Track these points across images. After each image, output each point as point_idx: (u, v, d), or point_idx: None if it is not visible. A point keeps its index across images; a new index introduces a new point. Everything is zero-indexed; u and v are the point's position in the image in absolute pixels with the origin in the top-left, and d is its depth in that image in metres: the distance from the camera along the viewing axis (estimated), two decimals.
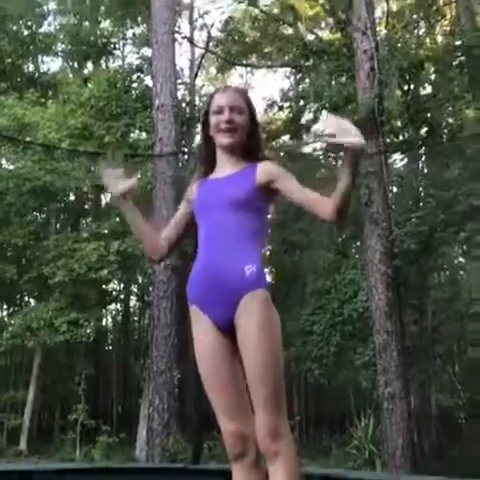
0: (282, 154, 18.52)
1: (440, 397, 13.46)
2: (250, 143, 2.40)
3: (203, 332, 2.23)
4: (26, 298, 16.22)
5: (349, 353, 11.45)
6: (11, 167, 15.35)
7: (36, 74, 18.01)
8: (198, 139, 18.45)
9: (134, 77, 16.10)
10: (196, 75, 18.14)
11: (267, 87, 29.73)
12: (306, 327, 12.21)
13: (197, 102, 18.24)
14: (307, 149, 19.14)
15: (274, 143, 18.24)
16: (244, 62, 19.24)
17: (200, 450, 5.83)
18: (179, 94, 15.14)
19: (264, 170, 2.34)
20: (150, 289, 12.74)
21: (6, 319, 16.36)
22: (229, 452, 2.19)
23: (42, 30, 18.22)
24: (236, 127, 2.34)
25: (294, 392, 14.66)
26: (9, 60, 17.15)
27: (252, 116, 2.41)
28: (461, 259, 15.00)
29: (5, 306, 17.45)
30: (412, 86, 14.38)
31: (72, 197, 16.83)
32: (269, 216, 2.48)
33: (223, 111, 2.34)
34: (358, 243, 13.93)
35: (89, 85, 15.81)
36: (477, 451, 10.41)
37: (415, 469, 8.70)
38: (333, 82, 12.78)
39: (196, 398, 5.72)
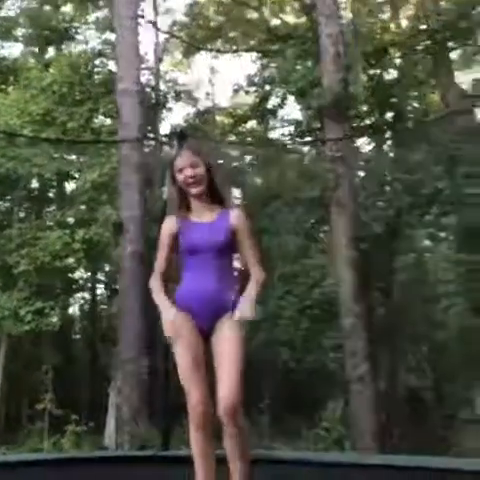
0: (249, 139, 18.48)
1: (408, 378, 13.66)
2: (212, 185, 3.08)
3: (185, 333, 2.90)
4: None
5: (318, 336, 11.53)
6: None
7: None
8: (163, 126, 18.29)
9: (97, 62, 15.83)
10: (160, 60, 17.89)
11: (233, 72, 29.49)
12: (275, 311, 12.24)
13: (162, 87, 18.03)
14: (274, 134, 19.13)
15: (241, 128, 18.16)
16: (209, 47, 19.04)
17: (169, 436, 5.79)
18: (144, 79, 14.94)
19: (237, 218, 3.06)
20: (117, 277, 12.60)
21: None
22: (194, 421, 2.80)
23: (2, 14, 17.75)
24: (199, 178, 3.04)
25: (264, 376, 14.72)
26: None
27: (208, 165, 3.07)
28: (427, 242, 15.18)
29: None
30: (377, 71, 14.44)
31: (35, 185, 16.51)
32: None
33: (185, 169, 3.04)
34: (325, 227, 13.98)
35: (51, 70, 15.48)
36: (443, 431, 10.63)
37: (384, 450, 8.83)
38: (299, 66, 12.75)
39: (165, 385, 5.68)
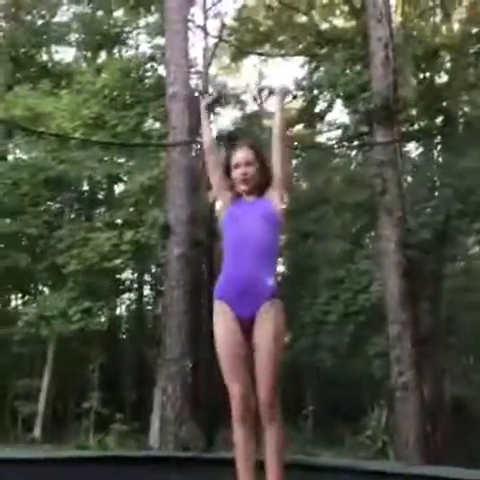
0: (296, 143, 18.44)
1: (454, 388, 13.40)
2: (262, 181, 3.16)
3: (225, 323, 2.93)
4: (40, 287, 16.31)
5: (363, 343, 11.42)
6: (25, 157, 15.40)
7: (50, 64, 17.99)
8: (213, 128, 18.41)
9: (147, 66, 16.05)
10: (209, 64, 18.03)
11: (281, 76, 29.44)
12: (319, 317, 12.18)
13: (211, 91, 18.16)
14: (321, 138, 19.05)
15: (288, 132, 18.14)
16: (258, 51, 19.10)
17: (213, 438, 5.84)
18: (192, 83, 15.08)
19: (271, 191, 3.14)
20: (163, 278, 12.74)
21: (20, 308, 16.47)
22: (236, 415, 2.90)
23: (56, 20, 18.21)
24: (250, 177, 3.13)
25: (308, 381, 14.66)
26: (23, 50, 17.17)
27: (262, 162, 3.17)
28: (476, 249, 14.87)
29: (19, 295, 17.56)
30: (428, 74, 14.23)
31: (85, 187, 16.85)
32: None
33: (240, 166, 3.14)
34: (372, 233, 13.85)
35: (102, 75, 15.80)
36: None
37: (428, 460, 8.68)
38: (347, 70, 12.68)
39: (209, 386, 5.73)
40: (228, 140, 8.53)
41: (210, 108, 3.52)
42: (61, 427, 14.27)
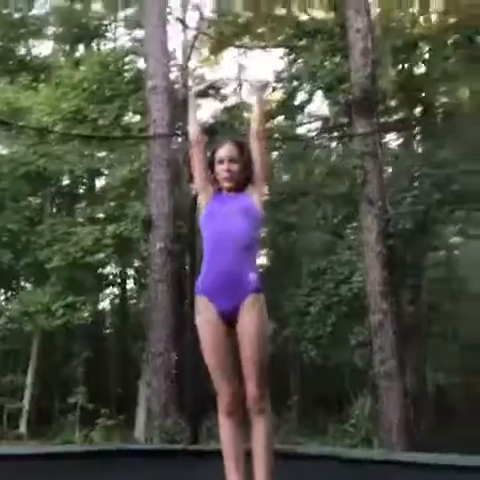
0: (276, 135, 18.45)
1: (436, 376, 13.58)
2: (244, 177, 3.13)
3: (208, 320, 2.93)
4: (23, 283, 16.21)
5: (345, 333, 11.52)
6: (4, 152, 15.26)
7: (28, 57, 17.82)
8: None
9: (126, 59, 15.96)
10: (189, 57, 17.96)
11: (261, 68, 29.45)
12: (302, 308, 12.26)
13: (190, 84, 18.11)
14: (301, 130, 19.07)
15: (268, 124, 18.14)
16: (237, 43, 19.06)
17: (198, 431, 5.88)
18: (172, 76, 15.03)
19: (252, 186, 3.13)
20: (147, 272, 12.75)
21: (3, 304, 16.36)
22: (224, 410, 2.93)
23: (33, 13, 18.01)
24: (233, 175, 3.12)
25: (290, 372, 14.76)
26: (0, 44, 16.98)
27: (246, 159, 3.14)
28: (456, 238, 15.05)
29: (2, 291, 17.44)
30: (406, 65, 14.31)
31: (66, 181, 16.74)
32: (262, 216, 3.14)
33: (224, 162, 3.13)
34: (354, 223, 13.94)
35: (81, 68, 15.68)
36: (472, 430, 10.54)
37: (411, 447, 8.81)
38: (327, 62, 12.70)
39: (193, 379, 5.77)
40: (209, 133, 8.55)
41: (199, 96, 3.48)
42: (47, 423, 14.23)
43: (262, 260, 20.04)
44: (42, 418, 14.67)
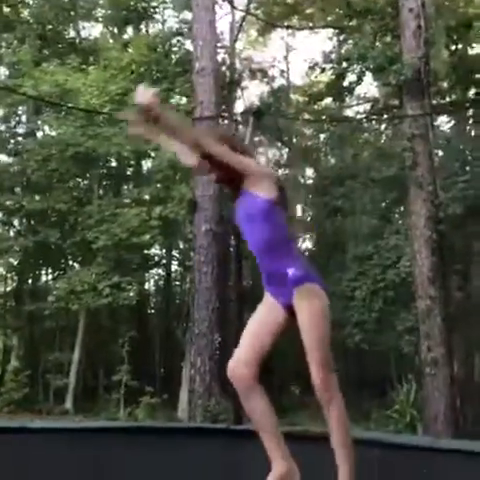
0: (324, 117, 18.23)
1: None
2: (231, 174, 2.90)
3: (266, 300, 2.91)
4: (70, 263, 16.50)
5: (391, 319, 11.36)
6: (54, 133, 15.48)
7: (77, 40, 17.99)
8: (238, 104, 18.30)
9: (174, 41, 15.97)
10: (236, 38, 17.84)
11: (309, 49, 29.10)
12: (347, 292, 12.13)
13: (237, 66, 18.02)
14: (349, 112, 18.79)
15: (316, 106, 17.93)
16: (285, 24, 18.83)
17: (241, 411, 5.88)
18: (219, 58, 14.95)
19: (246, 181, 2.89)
20: (191, 254, 12.81)
21: (51, 283, 16.71)
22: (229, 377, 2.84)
23: None
24: (216, 177, 2.95)
25: (335, 357, 14.65)
26: (50, 26, 17.17)
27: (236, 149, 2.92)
28: None
29: (50, 270, 17.80)
30: (460, 46, 13.90)
31: (114, 163, 16.91)
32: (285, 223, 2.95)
33: None
34: (402, 208, 13.69)
35: (129, 50, 15.75)
36: None
37: (457, 434, 8.65)
38: (377, 43, 12.43)
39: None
40: (256, 115, 8.47)
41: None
42: (92, 399, 14.54)
43: (306, 244, 19.94)
44: (87, 394, 15.00)
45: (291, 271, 2.82)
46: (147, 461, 3.81)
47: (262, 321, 2.89)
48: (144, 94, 2.70)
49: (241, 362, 2.82)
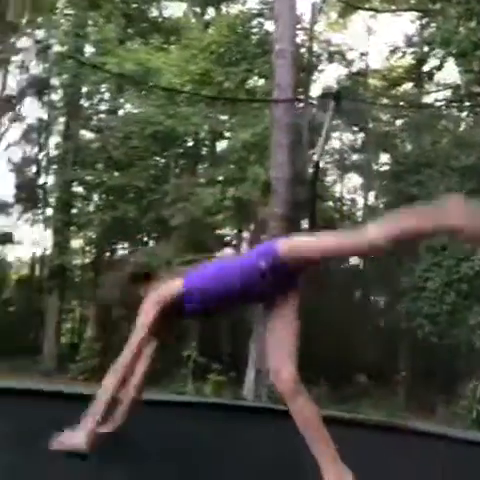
0: (402, 103, 17.87)
1: None
2: None
3: None
4: (145, 238, 16.96)
5: (464, 312, 11.15)
6: (135, 111, 15.86)
7: (160, 19, 18.28)
8: (314, 87, 18.15)
9: (254, 22, 15.98)
10: (316, 20, 17.66)
11: (390, 32, 28.41)
12: (419, 283, 11.97)
13: (316, 48, 17.86)
14: (428, 98, 18.33)
15: (394, 91, 17.60)
16: (367, 6, 18.49)
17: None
18: (298, 40, 14.88)
19: None
20: (261, 237, 12.92)
21: (127, 257, 17.23)
22: None
23: None
24: None
25: (403, 348, 14.51)
26: (135, 5, 17.52)
27: None
28: None
29: (126, 244, 18.36)
30: None
31: (190, 143, 17.18)
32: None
33: None
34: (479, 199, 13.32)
35: (210, 30, 15.88)
36: None
37: None
38: (461, 28, 12.07)
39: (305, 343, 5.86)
40: (335, 99, 8.41)
41: None
42: (160, 372, 14.96)
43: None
44: (157, 368, 15.46)
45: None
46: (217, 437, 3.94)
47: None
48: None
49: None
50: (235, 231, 17.98)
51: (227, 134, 16.07)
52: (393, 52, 17.80)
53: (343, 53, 19.58)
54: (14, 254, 22.72)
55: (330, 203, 17.86)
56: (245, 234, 18.67)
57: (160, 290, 2.57)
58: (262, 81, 15.37)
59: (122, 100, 16.58)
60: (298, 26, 14.61)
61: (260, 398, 9.99)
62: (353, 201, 20.50)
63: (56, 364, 15.21)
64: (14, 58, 20.20)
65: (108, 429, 2.58)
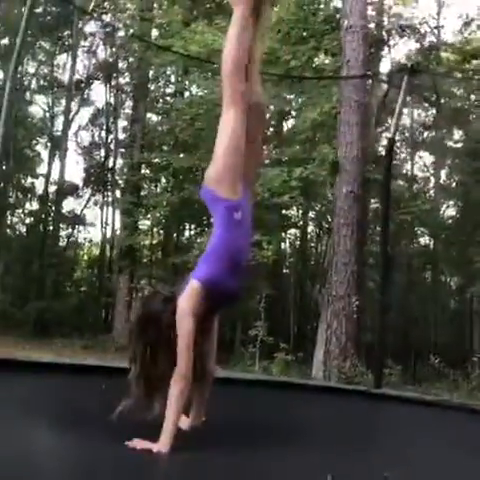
0: (477, 77, 17.16)
1: None
2: None
3: None
4: (211, 219, 17.06)
5: None
6: (201, 93, 15.90)
7: (225, 0, 18.17)
8: (383, 63, 17.68)
9: None
10: None
11: (464, 4, 27.22)
12: None
13: (385, 23, 17.36)
14: None
15: (469, 65, 16.90)
16: None
17: (381, 376, 5.91)
18: (368, 15, 14.47)
19: None
20: (328, 217, 12.77)
21: (193, 238, 17.45)
22: None
23: None
24: None
25: (475, 329, 14.13)
26: None
27: None
28: None
29: (193, 226, 18.55)
30: None
31: None
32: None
33: None
34: None
35: (276, 9, 15.65)
36: None
37: None
38: None
39: (380, 324, 5.78)
40: (410, 74, 8.13)
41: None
42: (228, 351, 15.12)
43: (450, 211, 19.11)
44: (224, 347, 15.64)
45: None
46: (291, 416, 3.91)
47: None
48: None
49: None
50: (300, 211, 17.87)
51: (293, 113, 15.89)
52: (467, 24, 17.12)
53: (414, 27, 18.96)
54: (85, 235, 23.43)
55: (400, 182, 17.45)
56: (310, 214, 18.55)
57: (183, 302, 2.49)
58: (328, 60, 15.07)
59: (188, 82, 16.64)
60: (368, 0, 14.21)
61: (329, 379, 9.94)
62: (425, 180, 19.99)
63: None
64: (82, 43, 20.65)
65: (187, 426, 2.72)
